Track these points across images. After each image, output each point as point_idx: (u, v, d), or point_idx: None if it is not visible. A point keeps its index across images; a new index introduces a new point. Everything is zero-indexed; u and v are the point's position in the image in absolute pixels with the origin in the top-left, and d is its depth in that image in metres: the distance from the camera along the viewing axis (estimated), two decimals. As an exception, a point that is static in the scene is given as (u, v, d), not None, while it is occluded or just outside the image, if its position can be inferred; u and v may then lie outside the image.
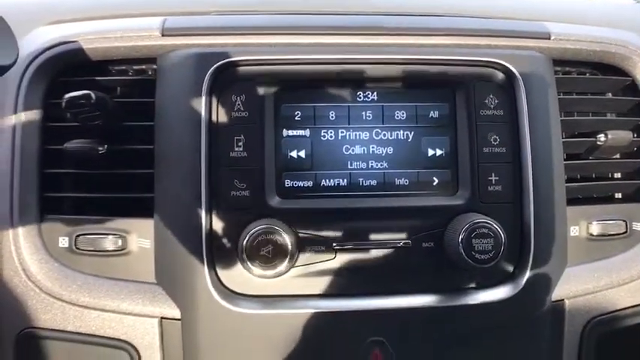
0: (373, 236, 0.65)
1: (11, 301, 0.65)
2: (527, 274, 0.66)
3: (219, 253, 0.63)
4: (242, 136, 0.64)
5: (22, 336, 0.65)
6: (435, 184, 0.67)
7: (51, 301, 0.64)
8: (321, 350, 0.64)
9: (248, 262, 0.60)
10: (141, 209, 0.66)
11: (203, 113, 0.63)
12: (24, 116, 0.66)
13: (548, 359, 0.69)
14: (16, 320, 0.65)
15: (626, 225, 0.74)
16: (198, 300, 0.62)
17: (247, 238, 0.60)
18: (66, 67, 0.68)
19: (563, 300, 0.69)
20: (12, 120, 0.66)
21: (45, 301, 0.64)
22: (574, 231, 0.72)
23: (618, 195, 0.78)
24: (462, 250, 0.62)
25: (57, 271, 0.65)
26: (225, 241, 0.63)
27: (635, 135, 0.76)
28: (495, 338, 0.66)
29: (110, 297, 0.64)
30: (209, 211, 0.63)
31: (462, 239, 0.62)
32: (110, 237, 0.65)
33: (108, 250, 0.65)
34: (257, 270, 0.60)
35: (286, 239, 0.60)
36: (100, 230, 0.65)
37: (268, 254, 0.60)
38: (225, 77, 0.65)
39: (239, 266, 0.62)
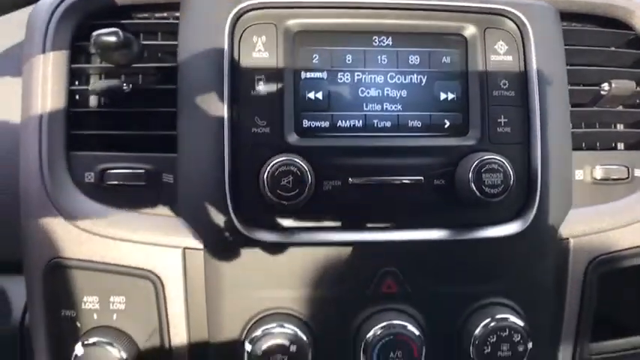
0: (387, 173, 0.67)
1: (40, 232, 0.68)
2: (534, 212, 0.69)
3: (241, 186, 0.66)
4: (263, 76, 0.67)
5: (50, 266, 0.67)
6: (446, 126, 0.70)
7: (78, 232, 0.67)
8: (336, 279, 0.67)
9: (269, 193, 0.63)
10: (164, 146, 0.68)
11: (225, 53, 0.66)
12: (52, 56, 0.69)
13: (553, 296, 0.72)
14: (45, 251, 0.68)
15: (628, 171, 0.77)
16: (220, 230, 0.65)
17: (268, 169, 0.63)
18: (93, 10, 0.70)
19: (567, 239, 0.72)
20: (40, 60, 0.69)
21: (72, 232, 0.67)
22: (579, 175, 0.75)
23: (620, 146, 0.81)
24: (473, 185, 0.65)
25: (83, 204, 0.68)
26: (246, 174, 0.65)
27: (638, 87, 0.79)
28: (502, 273, 0.69)
29: (135, 229, 0.67)
30: (231, 147, 0.65)
31: (472, 174, 0.65)
32: (134, 172, 0.68)
33: (132, 185, 0.68)
34: (277, 200, 0.63)
35: (305, 171, 0.63)
36: (124, 165, 0.68)
37: (288, 184, 0.63)
38: (247, 19, 0.67)
39: (260, 198, 0.65)
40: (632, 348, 0.79)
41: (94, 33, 0.64)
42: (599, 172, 0.75)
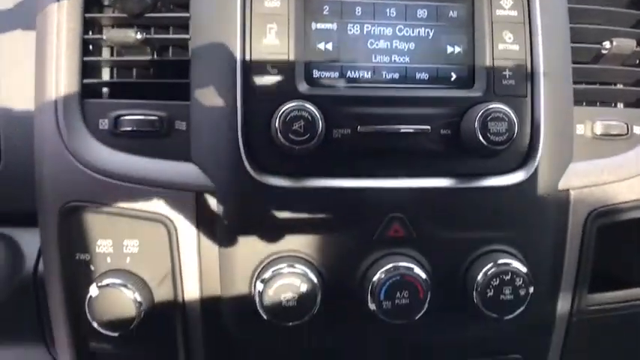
0: (395, 122, 0.69)
1: (55, 178, 0.69)
2: (536, 163, 0.71)
3: (253, 132, 0.67)
4: (274, 25, 0.68)
5: (64, 210, 0.69)
6: (452, 78, 0.72)
7: (92, 177, 0.68)
8: (345, 224, 0.69)
9: (281, 137, 0.64)
10: (177, 94, 0.70)
11: (237, 3, 0.67)
12: (66, 6, 0.70)
13: (554, 246, 0.75)
14: (59, 195, 0.69)
15: (628, 128, 0.79)
16: (233, 175, 0.67)
17: (280, 114, 0.64)
18: None
19: (568, 190, 0.75)
20: (54, 10, 0.70)
21: (86, 177, 0.68)
22: (579, 129, 0.77)
23: (620, 105, 0.83)
24: (479, 133, 0.67)
25: (98, 150, 0.69)
26: (258, 120, 0.67)
27: (638, 46, 0.81)
28: (505, 221, 0.71)
29: (148, 174, 0.68)
30: (243, 94, 0.67)
31: (478, 123, 0.67)
32: (148, 118, 0.69)
33: (146, 131, 0.69)
34: (289, 145, 0.64)
35: (316, 116, 0.65)
36: (138, 112, 0.69)
37: (300, 129, 0.64)
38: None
39: (271, 144, 0.66)
40: (629, 300, 0.82)
41: None
42: (599, 128, 0.77)
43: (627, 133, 0.79)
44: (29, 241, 0.81)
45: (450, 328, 0.73)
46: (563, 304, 0.78)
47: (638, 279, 0.83)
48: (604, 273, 0.82)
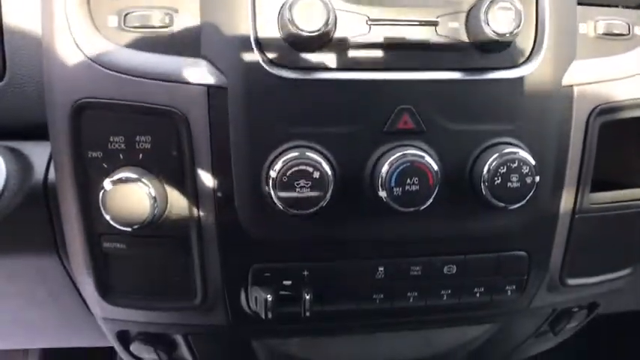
0: (404, 14, 0.70)
1: (66, 75, 0.69)
2: (541, 57, 0.72)
3: (262, 23, 0.67)
4: None
5: (75, 107, 0.69)
6: (458, -25, 0.73)
7: (103, 73, 0.68)
8: (355, 116, 0.69)
9: (290, 26, 0.64)
10: None
11: None
12: None
13: (558, 141, 0.76)
14: (70, 93, 0.69)
15: (629, 28, 0.80)
16: (244, 68, 0.67)
17: (289, 3, 0.64)
18: None
19: (572, 86, 0.76)
20: None
21: (97, 73, 0.68)
22: (582, 28, 0.78)
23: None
24: (487, 22, 0.67)
25: (108, 47, 0.69)
26: (267, 12, 0.67)
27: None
28: (511, 114, 0.72)
29: (159, 68, 0.68)
30: None
31: (484, 15, 0.68)
32: (158, 12, 0.69)
33: (155, 27, 0.69)
34: (298, 32, 0.65)
35: (328, 3, 0.64)
36: (146, 6, 0.69)
37: (310, 14, 0.65)
38: None
39: (282, 36, 0.67)
40: (629, 200, 0.84)
41: None
42: (601, 27, 0.78)
43: (629, 34, 0.80)
44: (37, 153, 0.81)
45: (456, 221, 0.74)
46: (566, 201, 0.80)
47: (638, 181, 0.86)
48: (605, 178, 0.84)
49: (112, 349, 1.57)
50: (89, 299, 0.83)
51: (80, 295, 0.88)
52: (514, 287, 0.82)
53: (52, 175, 0.79)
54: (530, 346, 1.09)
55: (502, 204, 0.71)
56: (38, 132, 0.80)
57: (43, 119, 0.77)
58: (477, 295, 0.82)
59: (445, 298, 0.81)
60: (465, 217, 0.75)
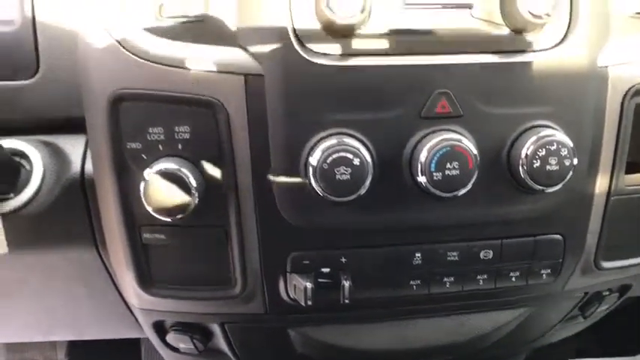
0: None
1: (103, 66, 0.70)
2: (576, 38, 0.72)
3: (300, 11, 0.67)
4: None
5: (113, 98, 0.69)
6: (491, -44, 0.72)
7: (140, 63, 0.68)
8: (393, 101, 0.69)
9: (328, 7, 0.64)
10: None
11: None
12: None
13: (593, 121, 0.76)
14: (107, 84, 0.69)
15: None
16: (281, 56, 0.67)
17: (328, -12, 0.65)
18: None
19: (607, 67, 0.75)
20: None
21: (134, 63, 0.68)
22: (616, 7, 0.77)
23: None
24: (523, 4, 0.67)
25: (144, 37, 0.69)
26: (305, 3, 0.67)
27: None
28: (547, 96, 0.72)
29: (196, 58, 0.68)
30: None
31: None
32: (194, 2, 0.68)
33: (191, 16, 0.69)
34: (335, 18, 0.64)
35: (364, -10, 0.65)
36: (182, -2, 0.70)
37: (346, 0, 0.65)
38: None
39: (318, 23, 0.67)
40: (665, 182, 0.84)
41: None
42: (636, 5, 0.78)
43: None
44: (73, 146, 0.81)
45: (494, 205, 0.74)
46: (601, 183, 0.80)
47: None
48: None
49: (137, 340, 1.60)
50: (126, 290, 0.84)
51: (116, 286, 0.89)
52: (549, 271, 0.82)
53: (88, 168, 0.80)
54: (559, 330, 1.10)
55: (540, 187, 0.71)
56: (73, 125, 0.81)
57: (78, 112, 0.78)
58: (513, 279, 0.82)
59: (481, 283, 0.81)
60: (502, 200, 0.75)
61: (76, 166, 0.80)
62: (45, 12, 0.79)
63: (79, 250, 0.84)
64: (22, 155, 0.82)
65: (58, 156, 0.82)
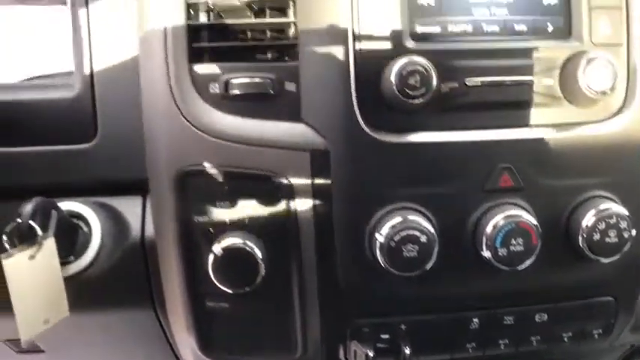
0: (499, 74, 0.71)
1: (171, 141, 0.71)
2: (633, 109, 0.73)
3: (363, 90, 0.69)
4: None
5: (181, 174, 0.70)
6: (549, 30, 0.73)
7: (208, 141, 0.70)
8: (457, 176, 0.71)
9: (397, 92, 0.66)
10: (284, 55, 0.71)
11: None
12: None
13: None
14: (176, 160, 0.71)
15: None
16: (347, 132, 0.69)
17: (395, 69, 0.66)
18: None
19: None
20: None
21: (202, 140, 0.70)
22: None
23: None
24: (584, 80, 0.69)
25: (211, 114, 0.70)
26: (368, 78, 0.69)
27: None
28: (606, 168, 0.74)
29: (262, 134, 0.70)
30: (354, 53, 0.68)
31: (581, 71, 0.69)
32: (259, 81, 0.70)
33: (256, 94, 0.70)
34: (404, 99, 0.66)
35: (430, 70, 0.66)
36: (248, 75, 0.70)
37: (416, 83, 0.66)
38: None
39: (382, 100, 0.68)
40: None
41: None
42: None
43: None
44: (130, 208, 0.83)
45: (551, 273, 0.75)
46: None
47: None
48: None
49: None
50: (185, 354, 0.84)
51: (172, 348, 0.90)
52: (601, 331, 0.83)
53: (148, 231, 0.81)
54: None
55: (599, 258, 0.73)
56: (130, 186, 0.82)
57: (134, 175, 0.79)
58: (565, 340, 0.83)
59: (535, 344, 0.82)
60: (559, 269, 0.76)
61: (135, 230, 0.81)
62: (104, 79, 0.80)
63: (137, 312, 0.85)
64: (80, 217, 0.83)
65: (115, 218, 0.83)
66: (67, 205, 0.82)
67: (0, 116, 0.76)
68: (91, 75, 0.80)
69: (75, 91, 0.80)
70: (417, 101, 0.66)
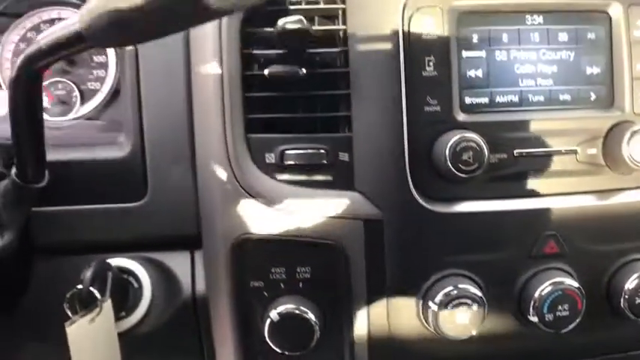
0: (546, 144, 0.73)
1: (228, 211, 0.73)
2: None
3: (415, 161, 0.71)
4: (432, 57, 0.71)
5: (238, 242, 0.73)
6: (592, 99, 0.76)
7: (264, 210, 0.72)
8: (504, 243, 0.74)
9: (451, 167, 0.68)
10: (338, 126, 0.73)
11: (400, 36, 0.70)
12: (226, 44, 0.72)
13: None
14: (233, 228, 0.73)
15: None
16: (400, 202, 0.71)
17: (450, 145, 0.68)
18: None
19: None
20: (216, 48, 0.72)
21: (259, 209, 0.72)
22: None
23: None
24: (628, 151, 0.71)
25: (267, 183, 0.72)
26: (420, 150, 0.71)
27: None
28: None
29: (317, 204, 0.72)
30: (407, 126, 0.71)
31: (625, 143, 0.72)
32: (314, 152, 0.72)
33: (311, 165, 0.72)
34: (457, 173, 0.68)
35: (482, 146, 0.69)
36: (302, 146, 0.72)
37: (469, 159, 0.68)
38: (415, 1, 0.71)
39: (433, 171, 0.71)
40: None
41: (280, 21, 0.68)
42: None
43: None
44: (179, 263, 0.84)
45: (593, 332, 0.78)
46: None
47: None
48: None
49: None
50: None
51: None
52: None
53: (198, 287, 0.83)
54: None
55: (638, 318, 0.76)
56: (179, 242, 0.84)
57: (183, 231, 0.81)
58: None
59: None
60: (600, 328, 0.79)
61: (186, 286, 0.83)
62: (155, 138, 0.81)
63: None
64: (130, 273, 0.85)
65: (165, 274, 0.85)
66: (116, 261, 0.84)
67: (56, 175, 0.78)
68: (141, 134, 0.83)
69: (126, 152, 0.82)
70: (469, 175, 0.69)
